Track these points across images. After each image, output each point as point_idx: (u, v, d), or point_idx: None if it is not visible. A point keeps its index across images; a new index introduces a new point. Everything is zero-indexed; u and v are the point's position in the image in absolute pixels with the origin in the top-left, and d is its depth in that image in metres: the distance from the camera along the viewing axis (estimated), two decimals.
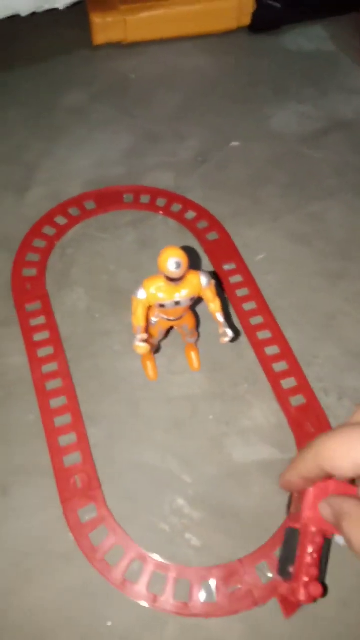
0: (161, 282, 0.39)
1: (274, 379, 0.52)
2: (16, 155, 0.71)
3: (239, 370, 0.53)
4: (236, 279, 0.59)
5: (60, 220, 0.64)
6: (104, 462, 0.47)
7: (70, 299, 0.58)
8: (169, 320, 0.43)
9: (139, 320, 0.40)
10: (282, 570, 0.35)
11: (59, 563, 0.42)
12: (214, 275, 0.40)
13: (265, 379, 0.52)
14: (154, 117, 0.78)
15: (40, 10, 0.60)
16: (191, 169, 0.71)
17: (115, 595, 0.41)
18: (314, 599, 0.34)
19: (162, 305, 0.40)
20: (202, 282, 0.40)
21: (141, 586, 0.42)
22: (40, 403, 0.50)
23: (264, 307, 0.57)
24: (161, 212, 0.66)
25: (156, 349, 0.52)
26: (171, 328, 0.47)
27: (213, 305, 0.41)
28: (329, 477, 0.31)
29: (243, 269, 0.60)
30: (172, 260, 0.35)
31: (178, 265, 0.36)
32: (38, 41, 0.88)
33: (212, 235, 0.63)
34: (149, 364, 0.52)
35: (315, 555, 0.34)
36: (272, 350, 0.54)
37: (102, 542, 0.43)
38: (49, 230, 0.63)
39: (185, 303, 0.40)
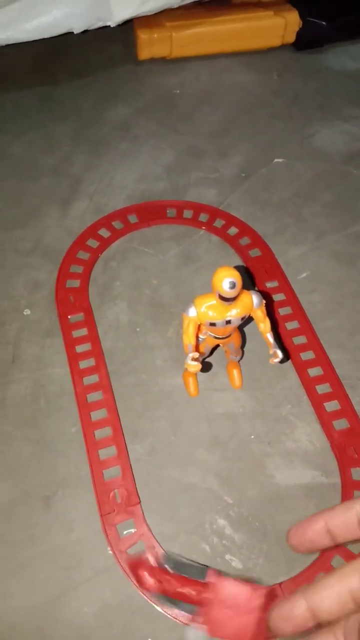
0: (212, 301, 0.39)
1: (317, 401, 0.51)
2: (61, 168, 0.72)
3: (282, 390, 0.52)
4: (279, 297, 0.59)
5: (104, 232, 0.65)
6: (144, 478, 0.47)
7: (113, 312, 0.58)
8: (217, 338, 0.43)
9: (189, 338, 0.40)
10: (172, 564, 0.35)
11: (99, 577, 0.42)
12: (265, 296, 0.40)
13: (308, 400, 0.52)
14: (197, 132, 0.78)
15: (92, 27, 0.62)
16: (234, 185, 0.71)
17: (154, 613, 0.41)
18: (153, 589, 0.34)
19: (212, 324, 0.39)
20: (254, 302, 0.39)
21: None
22: (81, 415, 0.50)
23: (307, 327, 0.56)
24: (204, 228, 0.66)
25: (202, 367, 0.52)
26: (217, 345, 0.47)
27: (263, 326, 0.41)
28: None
29: (286, 287, 0.59)
30: (227, 281, 0.35)
31: (233, 286, 0.35)
32: (83, 56, 0.90)
33: (255, 252, 0.63)
34: (191, 380, 0.52)
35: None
36: (315, 371, 0.53)
37: (140, 556, 0.43)
38: (92, 243, 0.64)
39: (236, 322, 0.40)
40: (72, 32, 0.71)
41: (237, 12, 0.85)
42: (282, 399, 0.52)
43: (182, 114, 0.81)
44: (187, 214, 0.67)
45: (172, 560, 0.36)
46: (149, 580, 0.34)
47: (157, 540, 0.44)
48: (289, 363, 0.54)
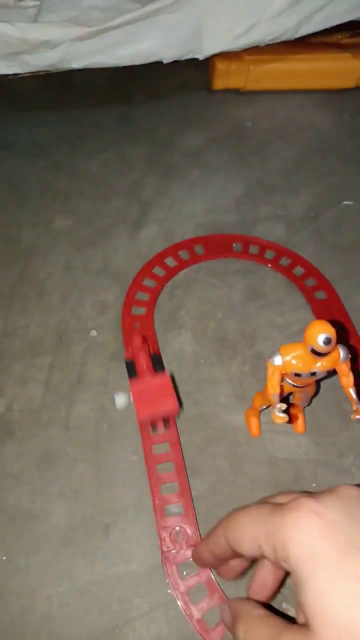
0: (299, 351, 0.39)
1: None
2: (133, 190, 0.73)
3: (345, 440, 0.52)
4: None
5: (170, 261, 0.65)
6: (204, 516, 0.47)
7: (177, 342, 0.58)
8: (295, 386, 0.43)
9: (274, 387, 0.40)
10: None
11: (156, 614, 0.42)
12: (350, 350, 0.40)
13: None
14: (268, 167, 0.79)
15: (181, 59, 0.63)
16: (302, 224, 0.71)
17: None
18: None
19: (297, 375, 0.39)
20: (340, 355, 0.39)
21: None
22: (144, 446, 0.50)
23: None
24: (270, 265, 0.66)
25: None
26: (290, 392, 0.47)
27: (346, 380, 0.41)
28: (237, 556, 0.31)
29: (352, 332, 0.59)
30: (323, 336, 0.35)
31: (328, 341, 0.35)
32: (158, 79, 0.91)
33: (320, 295, 0.63)
34: (254, 421, 0.52)
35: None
36: None
37: (201, 600, 0.43)
38: (159, 271, 0.64)
39: (321, 374, 0.40)
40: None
41: (315, 52, 0.86)
42: (346, 450, 0.51)
43: (254, 147, 0.81)
44: (253, 249, 0.67)
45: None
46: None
47: (217, 584, 0.43)
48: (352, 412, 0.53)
